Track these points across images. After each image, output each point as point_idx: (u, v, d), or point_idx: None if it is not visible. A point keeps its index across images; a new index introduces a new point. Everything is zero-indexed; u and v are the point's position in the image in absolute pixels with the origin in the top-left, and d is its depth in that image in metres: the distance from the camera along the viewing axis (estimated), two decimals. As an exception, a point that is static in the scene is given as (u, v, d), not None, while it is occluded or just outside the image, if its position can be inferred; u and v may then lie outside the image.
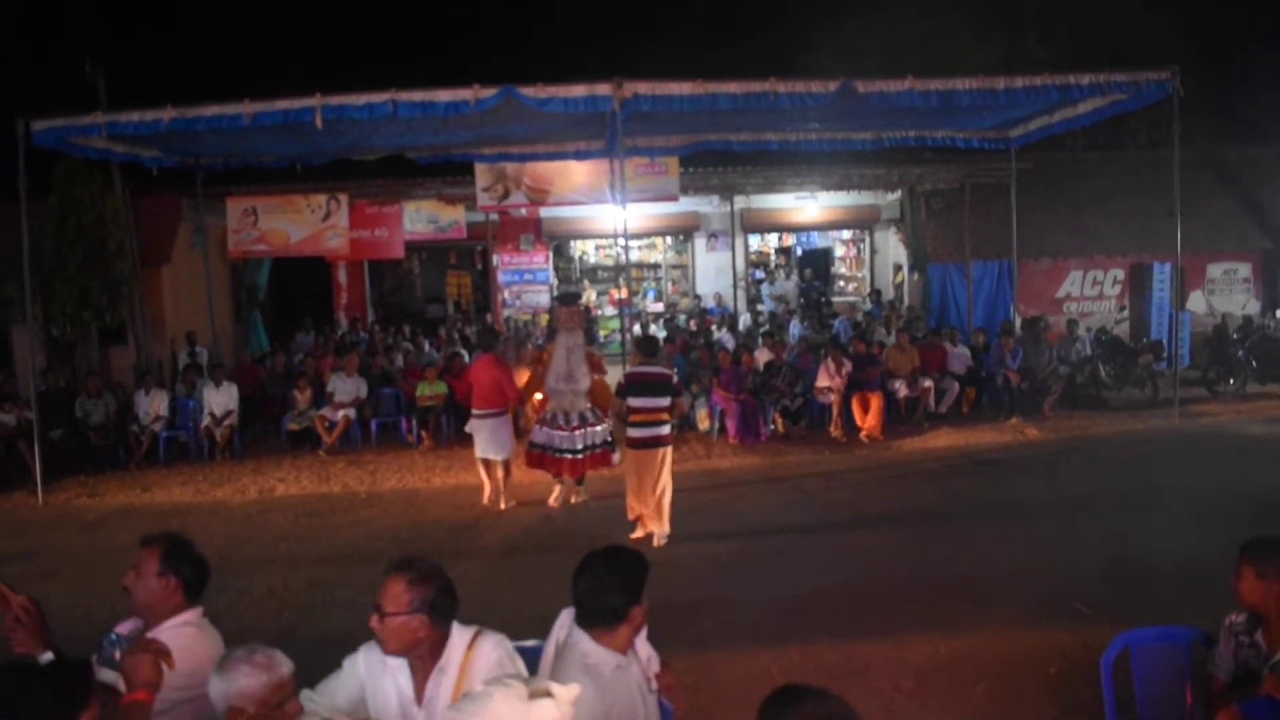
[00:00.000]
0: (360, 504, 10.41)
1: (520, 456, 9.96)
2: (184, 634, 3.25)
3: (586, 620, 3.10)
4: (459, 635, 3.09)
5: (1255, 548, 3.60)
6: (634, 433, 8.46)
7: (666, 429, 8.57)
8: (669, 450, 8.56)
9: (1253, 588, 3.55)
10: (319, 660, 3.19)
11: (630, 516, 8.60)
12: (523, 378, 10.07)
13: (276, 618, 6.89)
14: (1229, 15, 25.44)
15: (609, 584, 3.07)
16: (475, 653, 3.05)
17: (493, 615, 6.60)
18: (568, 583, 3.20)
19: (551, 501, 9.88)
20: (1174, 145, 12.48)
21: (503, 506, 9.85)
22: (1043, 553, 7.74)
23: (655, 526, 8.47)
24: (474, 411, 9.95)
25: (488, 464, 9.95)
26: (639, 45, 27.81)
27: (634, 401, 8.45)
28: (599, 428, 9.43)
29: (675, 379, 8.70)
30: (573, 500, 9.93)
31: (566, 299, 10.32)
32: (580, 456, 9.33)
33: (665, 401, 8.48)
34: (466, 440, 10.83)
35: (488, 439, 9.80)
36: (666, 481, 8.46)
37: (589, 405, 9.40)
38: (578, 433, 9.29)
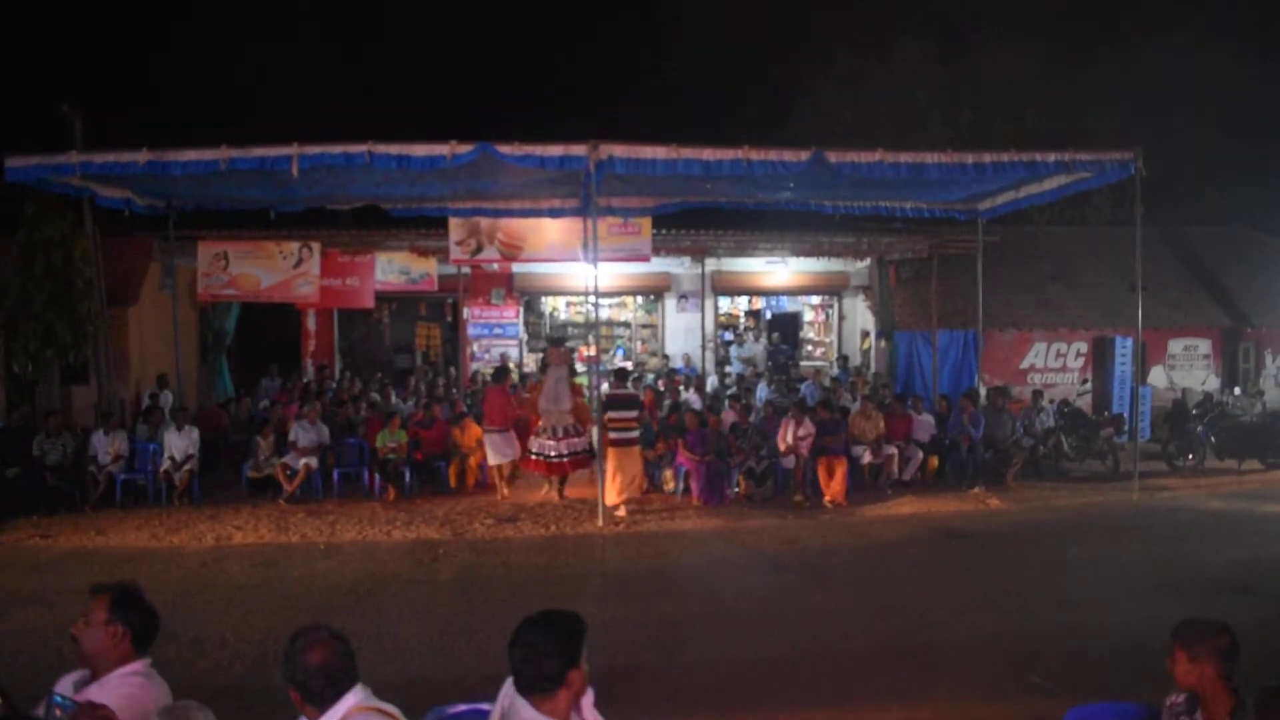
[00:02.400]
0: (318, 555, 10.26)
1: (524, 462, 13.10)
2: (130, 684, 3.21)
3: (524, 687, 3.06)
4: (349, 699, 3.05)
5: (1185, 631, 3.63)
6: (613, 435, 11.91)
7: (637, 433, 12.23)
8: (638, 449, 12.32)
9: (1187, 670, 3.58)
10: (267, 714, 3.15)
11: (599, 496, 11.64)
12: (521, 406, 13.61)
13: (228, 669, 6.75)
14: (1192, 100, 26.23)
15: (543, 650, 3.03)
16: None
17: (449, 672, 6.57)
18: None
19: (546, 493, 13.05)
20: (1137, 223, 12.79)
21: (506, 492, 13.15)
22: (1000, 623, 7.76)
23: (629, 494, 12.01)
24: (486, 428, 13.05)
25: (500, 468, 13.04)
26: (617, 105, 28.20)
27: (611, 414, 11.97)
28: (580, 440, 12.55)
29: (640, 397, 12.61)
30: (554, 496, 12.88)
31: (556, 341, 13.89)
32: (564, 460, 12.49)
33: (635, 413, 12.24)
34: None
35: (497, 446, 12.87)
36: (640, 470, 12.29)
37: (572, 422, 12.48)
38: (563, 442, 12.44)
